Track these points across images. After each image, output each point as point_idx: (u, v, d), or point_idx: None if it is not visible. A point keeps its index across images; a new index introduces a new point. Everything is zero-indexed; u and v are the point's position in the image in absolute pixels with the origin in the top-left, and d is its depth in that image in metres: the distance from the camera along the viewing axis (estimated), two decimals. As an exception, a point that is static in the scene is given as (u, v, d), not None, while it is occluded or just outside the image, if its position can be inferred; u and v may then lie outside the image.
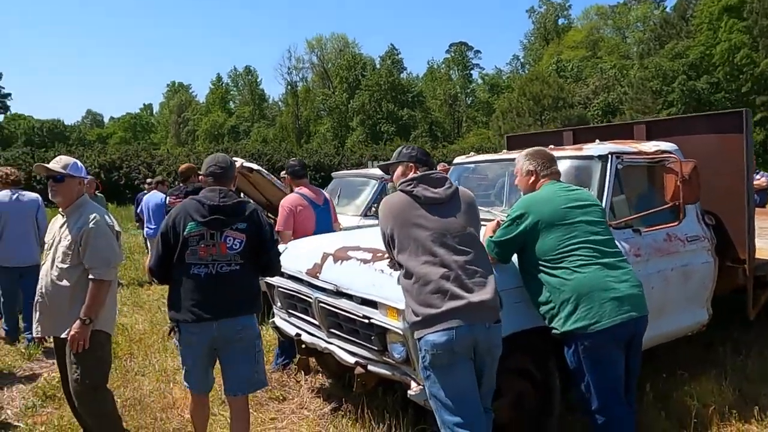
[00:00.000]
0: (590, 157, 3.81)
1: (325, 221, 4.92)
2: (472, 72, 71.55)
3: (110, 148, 35.98)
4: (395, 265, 2.90)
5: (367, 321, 3.07)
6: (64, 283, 3.16)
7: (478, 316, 2.55)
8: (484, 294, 2.56)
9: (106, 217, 3.27)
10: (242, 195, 10.84)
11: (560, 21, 70.26)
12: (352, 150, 40.01)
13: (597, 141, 4.03)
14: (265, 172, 6.54)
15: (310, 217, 4.81)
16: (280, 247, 4.40)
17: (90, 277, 3.13)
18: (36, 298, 3.28)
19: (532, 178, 3.08)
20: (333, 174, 8.32)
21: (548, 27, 69.56)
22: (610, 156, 3.75)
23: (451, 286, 2.54)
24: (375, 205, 7.34)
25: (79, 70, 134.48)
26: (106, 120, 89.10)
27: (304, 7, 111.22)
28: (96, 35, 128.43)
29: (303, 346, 4.04)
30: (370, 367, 3.21)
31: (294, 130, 63.19)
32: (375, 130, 57.22)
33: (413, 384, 2.95)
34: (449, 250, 2.61)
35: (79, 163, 3.35)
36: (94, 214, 3.21)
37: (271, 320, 4.45)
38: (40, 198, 5.91)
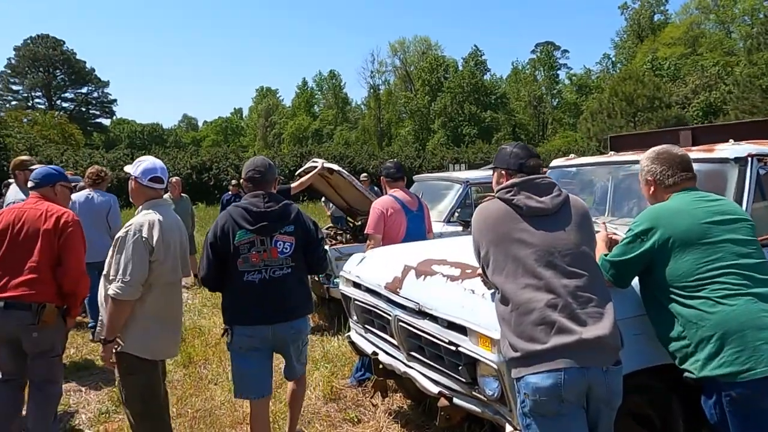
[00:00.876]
0: (725, 160, 3.18)
1: (417, 228, 4.55)
2: (558, 72, 68.97)
3: (202, 150, 37.63)
4: (490, 285, 2.47)
5: (454, 348, 2.66)
6: (104, 292, 2.93)
7: (594, 357, 2.06)
8: (600, 328, 2.07)
9: (146, 226, 2.89)
10: (322, 198, 10.76)
11: (656, 17, 66.25)
12: (433, 153, 39.51)
13: (731, 141, 3.39)
14: (346, 173, 6.25)
15: (400, 222, 4.45)
16: (358, 255, 4.10)
17: (107, 292, 2.82)
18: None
19: (658, 186, 2.52)
20: (414, 177, 7.95)
21: (643, 23, 65.77)
22: (750, 158, 3.12)
23: (559, 316, 2.08)
24: (458, 210, 6.91)
25: (177, 77, 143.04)
26: (200, 124, 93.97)
27: (387, 10, 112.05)
28: (191, 44, 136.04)
29: (380, 366, 3.69)
30: (456, 401, 2.79)
31: (376, 133, 63.63)
32: (456, 132, 56.51)
33: (508, 427, 2.49)
34: (557, 272, 2.15)
35: (149, 165, 3.05)
36: (133, 221, 2.93)
37: (346, 334, 4.13)
38: (114, 198, 6.02)
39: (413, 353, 3.15)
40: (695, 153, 3.41)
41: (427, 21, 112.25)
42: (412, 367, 3.18)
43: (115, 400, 4.30)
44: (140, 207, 3.05)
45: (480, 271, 2.62)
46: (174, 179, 8.67)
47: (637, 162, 3.68)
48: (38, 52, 60.02)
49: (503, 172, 2.47)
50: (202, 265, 3.10)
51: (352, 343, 4.01)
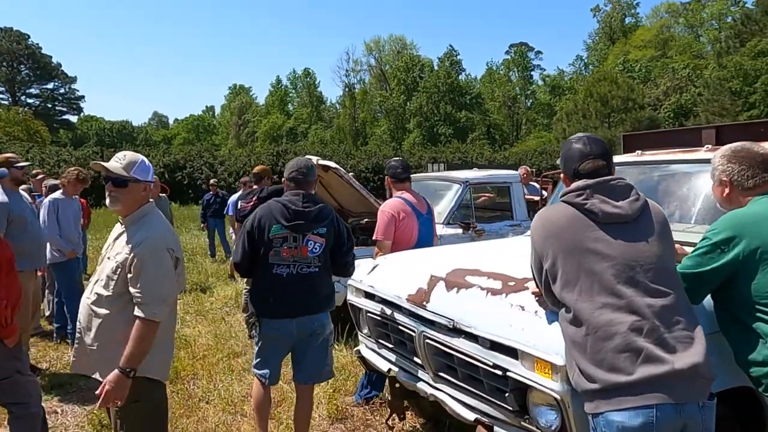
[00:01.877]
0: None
1: (427, 233, 4.21)
2: (532, 73, 69.66)
3: (174, 148, 36.70)
4: (544, 301, 2.16)
5: (500, 373, 2.34)
6: (102, 311, 2.48)
7: (689, 391, 1.76)
8: (693, 355, 1.78)
9: (168, 236, 2.58)
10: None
11: (627, 20, 67.34)
12: (410, 152, 39.30)
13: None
14: (343, 171, 5.88)
15: (412, 226, 4.10)
16: (368, 262, 3.75)
17: (137, 313, 2.38)
18: (76, 324, 2.64)
19: (734, 188, 2.22)
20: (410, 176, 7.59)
21: (614, 26, 66.83)
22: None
23: (646, 342, 1.77)
24: (457, 211, 6.61)
25: (147, 74, 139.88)
26: (170, 121, 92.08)
27: (362, 9, 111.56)
28: (162, 40, 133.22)
29: (397, 385, 3.36)
30: (498, 429, 2.47)
31: (351, 132, 63.19)
32: (432, 132, 56.50)
33: (567, 464, 2.18)
34: (640, 290, 1.84)
35: (147, 161, 2.63)
36: (152, 233, 2.51)
37: (356, 348, 3.78)
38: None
39: (442, 374, 2.83)
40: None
41: (403, 20, 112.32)
42: (440, 389, 2.85)
43: (96, 424, 3.87)
44: (134, 213, 2.58)
45: (532, 285, 2.31)
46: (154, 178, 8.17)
47: (677, 161, 3.45)
48: (1, 46, 57.89)
49: (563, 176, 2.18)
50: (236, 251, 3.31)
51: (362, 358, 3.67)
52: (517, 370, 2.25)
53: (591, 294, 1.86)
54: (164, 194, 9.07)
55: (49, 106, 63.09)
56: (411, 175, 4.41)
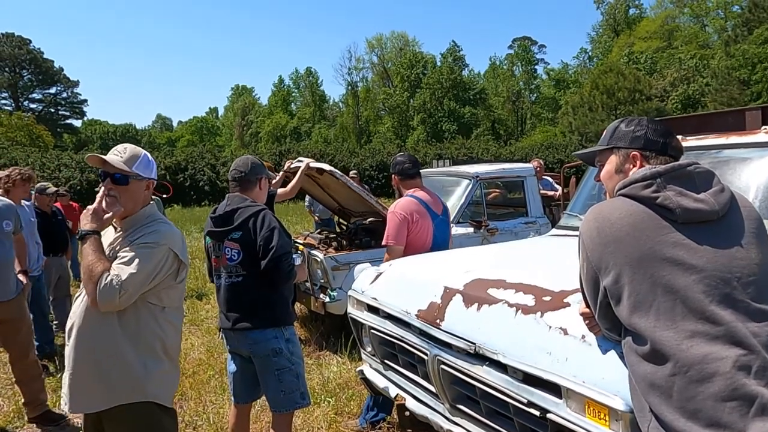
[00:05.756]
0: None
1: (442, 236, 3.73)
2: (536, 67, 68.85)
3: (177, 150, 36.33)
4: (595, 324, 1.68)
5: (537, 413, 1.86)
6: (104, 330, 2.06)
7: None
8: None
9: (176, 238, 2.20)
10: (306, 198, 9.87)
11: (631, 11, 66.52)
12: (414, 149, 38.81)
13: None
14: (339, 173, 5.41)
15: (427, 228, 3.63)
16: (370, 269, 3.28)
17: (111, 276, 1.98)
18: (67, 353, 2.15)
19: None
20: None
21: (618, 18, 66.03)
22: None
23: (759, 386, 1.28)
24: (468, 209, 6.12)
25: (150, 77, 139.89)
26: (174, 124, 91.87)
27: (364, 7, 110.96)
28: (164, 43, 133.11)
29: (406, 413, 2.89)
30: (533, 480, 1.99)
31: (354, 131, 62.77)
32: (436, 128, 55.99)
33: None
34: (740, 312, 1.37)
35: (150, 156, 2.27)
36: (159, 230, 2.14)
37: (358, 369, 3.31)
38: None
39: (460, 406, 2.35)
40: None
41: (404, 17, 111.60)
42: (458, 424, 2.37)
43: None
44: (136, 215, 2.19)
45: (577, 302, 1.82)
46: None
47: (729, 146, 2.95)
48: (3, 52, 57.65)
49: (636, 153, 1.65)
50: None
51: (366, 380, 3.20)
52: (561, 411, 1.77)
53: (673, 318, 1.38)
54: (156, 197, 8.62)
55: (52, 110, 62.84)
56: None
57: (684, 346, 1.34)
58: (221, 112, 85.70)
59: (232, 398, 3.07)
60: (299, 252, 5.42)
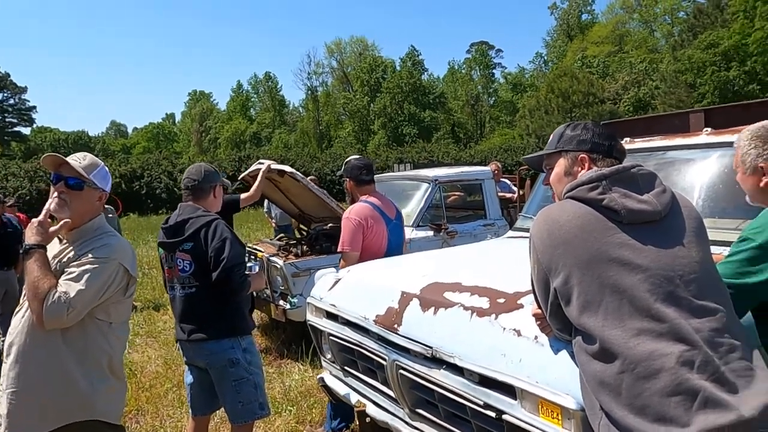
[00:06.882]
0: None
1: (397, 241, 3.74)
2: (494, 71, 70.01)
3: (132, 157, 35.43)
4: (547, 325, 1.71)
5: (493, 414, 1.87)
6: (48, 348, 1.96)
7: None
8: (759, 395, 1.33)
9: (125, 252, 2.12)
10: (265, 203, 9.75)
11: (584, 17, 68.41)
12: (375, 153, 38.86)
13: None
14: (300, 175, 5.36)
15: (382, 234, 3.63)
16: (329, 275, 3.26)
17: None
18: (5, 372, 2.03)
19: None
20: (375, 177, 7.11)
21: (571, 23, 67.83)
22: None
23: (701, 380, 1.32)
24: (427, 212, 6.15)
25: (102, 83, 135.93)
26: (129, 130, 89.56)
27: (322, 12, 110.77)
28: (117, 48, 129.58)
29: (367, 420, 2.87)
30: (492, 481, 2.01)
31: (315, 135, 62.47)
32: (397, 132, 56.22)
33: None
34: (683, 310, 1.40)
35: (107, 169, 2.21)
36: (108, 243, 2.07)
37: (318, 376, 3.28)
38: None
39: (420, 410, 2.35)
40: None
41: (363, 22, 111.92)
42: (417, 428, 2.37)
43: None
44: (84, 226, 2.10)
45: (529, 303, 1.85)
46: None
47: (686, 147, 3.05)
48: (-56, 57, 55.18)
49: (584, 156, 1.69)
50: None
51: (326, 387, 3.17)
52: (515, 412, 1.79)
53: (621, 317, 1.41)
54: (111, 206, 8.36)
55: (-1, 118, 60.48)
56: (377, 176, 3.94)
57: (631, 344, 1.38)
58: (178, 117, 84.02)
59: (190, 411, 3.01)
60: (258, 259, 5.32)
